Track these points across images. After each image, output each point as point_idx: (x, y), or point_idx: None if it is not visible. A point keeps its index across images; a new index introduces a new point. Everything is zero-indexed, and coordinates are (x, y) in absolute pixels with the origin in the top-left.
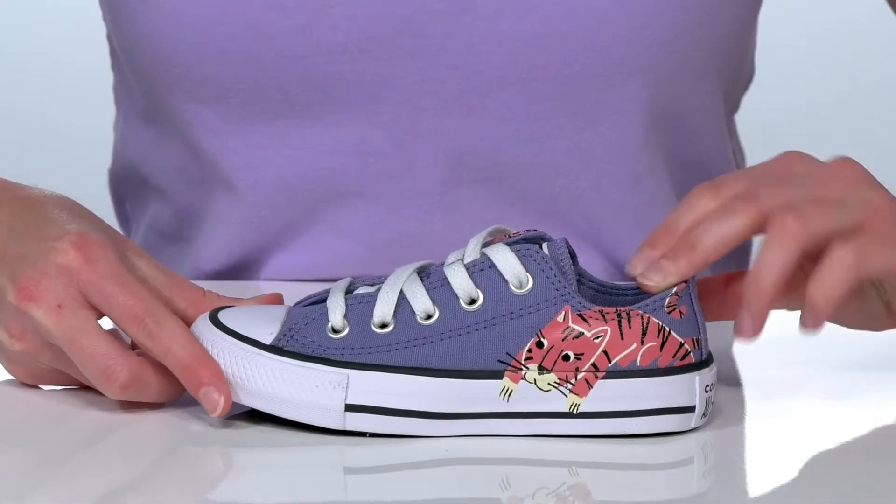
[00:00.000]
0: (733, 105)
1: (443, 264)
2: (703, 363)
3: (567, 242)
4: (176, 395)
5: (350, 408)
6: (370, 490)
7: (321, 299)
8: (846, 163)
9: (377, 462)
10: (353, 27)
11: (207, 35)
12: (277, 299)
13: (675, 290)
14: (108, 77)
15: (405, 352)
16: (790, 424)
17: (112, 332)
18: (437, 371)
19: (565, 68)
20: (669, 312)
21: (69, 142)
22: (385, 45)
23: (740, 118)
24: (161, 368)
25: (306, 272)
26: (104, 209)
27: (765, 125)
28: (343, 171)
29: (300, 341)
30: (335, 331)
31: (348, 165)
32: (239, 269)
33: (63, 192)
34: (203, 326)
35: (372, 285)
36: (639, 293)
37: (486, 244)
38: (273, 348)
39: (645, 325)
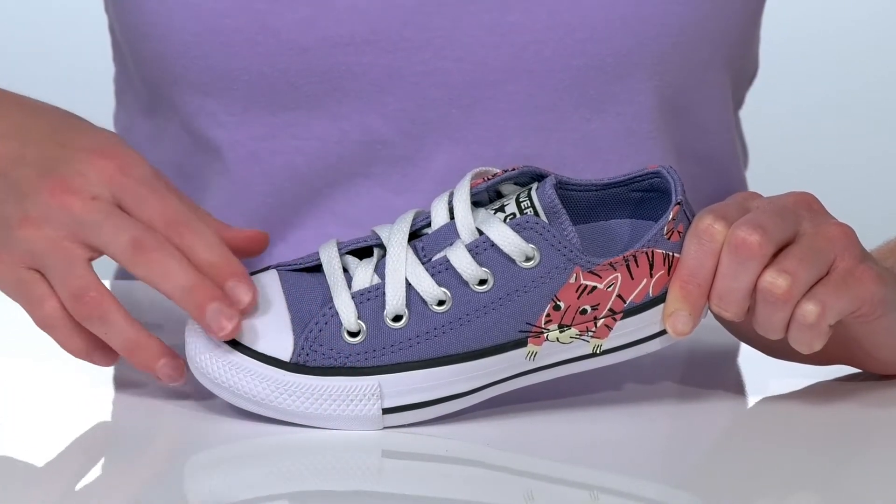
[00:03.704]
0: (737, 101)
1: (429, 225)
2: None
3: (554, 178)
4: None
5: (387, 411)
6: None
7: (310, 266)
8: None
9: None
10: (359, 19)
11: (213, 27)
12: (259, 239)
13: (671, 215)
14: (109, 69)
15: (427, 344)
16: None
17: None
18: (462, 356)
19: (572, 60)
20: (669, 238)
21: None
22: (391, 36)
23: (744, 115)
24: None
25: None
26: None
27: (769, 123)
28: (349, 158)
29: (320, 352)
30: (351, 334)
31: (354, 154)
32: None
33: None
34: (212, 341)
35: (358, 250)
36: (624, 183)
37: (474, 193)
38: (295, 366)
39: (651, 259)
